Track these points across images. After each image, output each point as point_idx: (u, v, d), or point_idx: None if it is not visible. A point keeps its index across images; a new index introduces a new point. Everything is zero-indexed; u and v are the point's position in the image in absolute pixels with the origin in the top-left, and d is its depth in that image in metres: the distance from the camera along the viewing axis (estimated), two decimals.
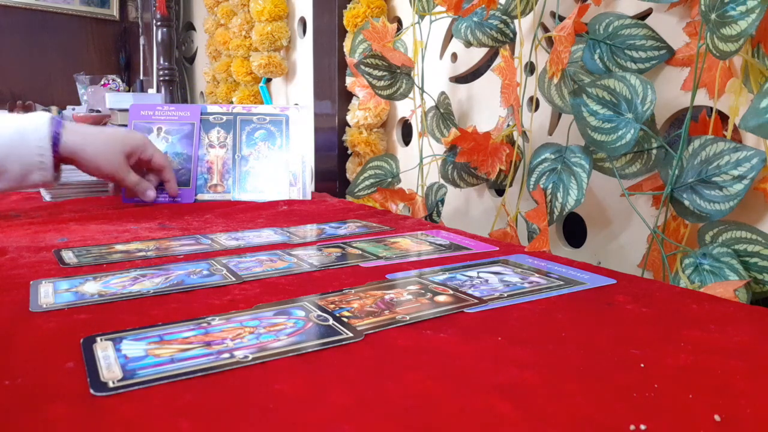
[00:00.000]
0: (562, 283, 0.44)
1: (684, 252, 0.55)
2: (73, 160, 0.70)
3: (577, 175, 0.63)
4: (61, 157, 0.69)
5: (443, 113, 0.88)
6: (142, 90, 1.87)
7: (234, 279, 0.44)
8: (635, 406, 0.25)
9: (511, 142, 0.76)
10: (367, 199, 0.94)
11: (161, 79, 1.72)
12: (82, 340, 0.31)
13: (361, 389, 0.26)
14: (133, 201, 0.85)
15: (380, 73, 0.83)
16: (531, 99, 0.74)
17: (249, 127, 0.93)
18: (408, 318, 0.35)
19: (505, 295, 0.40)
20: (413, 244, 0.58)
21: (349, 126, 1.10)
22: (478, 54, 0.88)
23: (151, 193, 0.79)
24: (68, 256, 0.50)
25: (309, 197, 0.90)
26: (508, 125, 0.78)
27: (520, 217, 0.74)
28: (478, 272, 0.47)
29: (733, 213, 0.51)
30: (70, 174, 0.81)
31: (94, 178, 1.03)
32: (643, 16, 0.64)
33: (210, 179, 0.90)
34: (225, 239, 0.59)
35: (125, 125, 0.96)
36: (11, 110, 2.11)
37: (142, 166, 0.80)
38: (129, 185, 0.77)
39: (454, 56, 0.93)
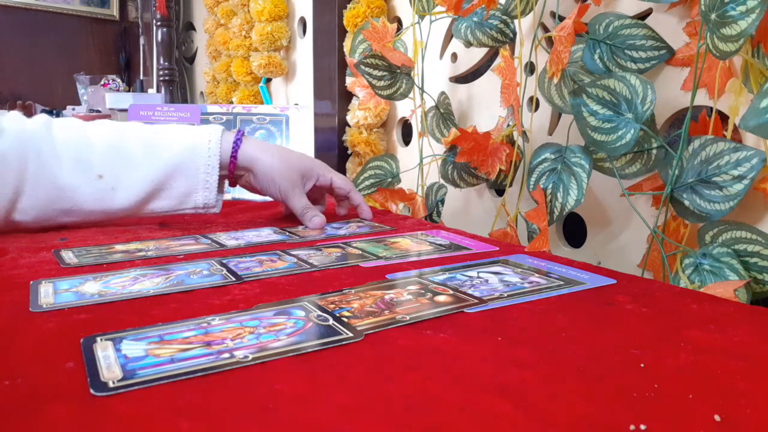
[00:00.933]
0: (562, 283, 0.44)
1: (684, 252, 0.55)
2: (248, 168, 0.64)
3: (577, 175, 0.63)
4: (236, 168, 0.63)
5: (443, 113, 0.88)
6: (142, 90, 1.88)
7: (234, 279, 0.44)
8: (635, 406, 0.25)
9: (511, 142, 0.76)
10: (367, 199, 0.94)
11: (161, 79, 1.72)
12: (82, 340, 0.31)
13: (361, 389, 0.26)
14: None
15: (380, 73, 0.83)
16: (531, 99, 0.74)
17: (249, 127, 0.93)
18: (408, 318, 0.35)
19: (505, 295, 0.40)
20: (413, 244, 0.58)
21: (349, 126, 1.10)
22: (478, 54, 0.88)
23: (318, 220, 0.66)
24: (68, 256, 0.50)
25: None
26: (508, 125, 0.78)
27: (520, 217, 0.74)
28: (478, 272, 0.47)
29: (733, 213, 0.51)
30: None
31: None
32: (643, 16, 0.64)
33: None
34: (225, 239, 0.59)
35: None
36: (11, 110, 2.11)
37: (322, 192, 0.74)
38: (297, 207, 0.67)
39: (454, 56, 0.93)
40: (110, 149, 0.59)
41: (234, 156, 0.63)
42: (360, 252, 0.53)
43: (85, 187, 0.58)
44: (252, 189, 0.68)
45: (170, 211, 0.63)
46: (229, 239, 0.59)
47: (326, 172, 0.70)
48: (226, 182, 0.67)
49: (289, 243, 0.58)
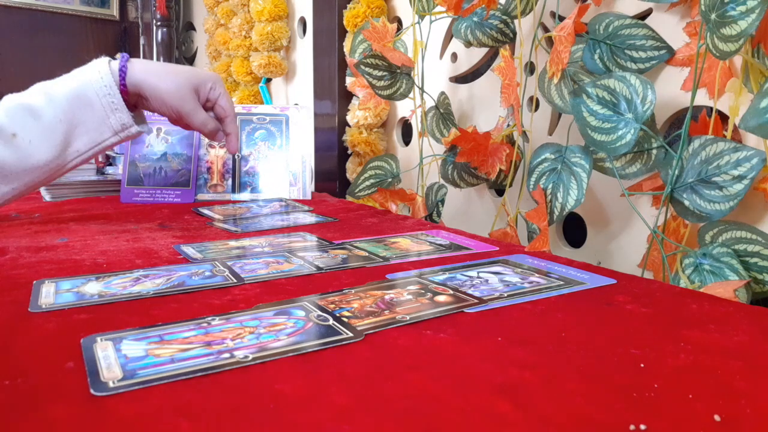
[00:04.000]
0: (562, 283, 0.44)
1: (684, 252, 0.55)
2: (138, 94, 0.63)
3: (577, 175, 0.63)
4: (128, 94, 0.63)
5: (443, 113, 0.88)
6: None
7: (235, 281, 0.44)
8: (635, 406, 0.25)
9: (511, 142, 0.76)
10: (367, 199, 0.94)
11: None
12: (82, 340, 0.31)
13: (361, 389, 0.26)
14: (132, 201, 0.85)
15: (380, 73, 0.83)
16: (531, 99, 0.74)
17: (249, 127, 0.93)
18: (408, 318, 0.35)
19: (505, 295, 0.40)
20: (413, 244, 0.58)
21: (349, 126, 1.10)
22: (478, 54, 0.88)
23: (222, 136, 0.69)
24: (191, 251, 0.53)
25: (309, 197, 0.90)
26: (508, 125, 0.78)
27: (520, 217, 0.74)
28: (478, 272, 0.47)
29: (733, 213, 0.51)
30: (71, 174, 0.81)
31: (94, 177, 1.03)
32: (643, 16, 0.64)
33: (210, 179, 0.90)
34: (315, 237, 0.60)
35: None
36: None
37: (207, 108, 0.70)
38: (196, 124, 0.67)
39: (454, 56, 0.93)
40: (16, 107, 0.60)
41: (123, 84, 0.62)
42: (366, 254, 0.53)
43: (4, 149, 0.58)
44: (153, 111, 0.67)
45: (95, 145, 0.62)
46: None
47: (218, 86, 0.69)
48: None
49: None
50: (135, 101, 0.65)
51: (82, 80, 0.61)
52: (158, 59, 1.72)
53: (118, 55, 0.64)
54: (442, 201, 0.85)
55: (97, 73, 0.61)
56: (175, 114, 0.66)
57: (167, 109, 0.65)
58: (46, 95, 0.60)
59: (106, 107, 0.61)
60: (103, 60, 0.63)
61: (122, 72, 0.62)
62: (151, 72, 0.63)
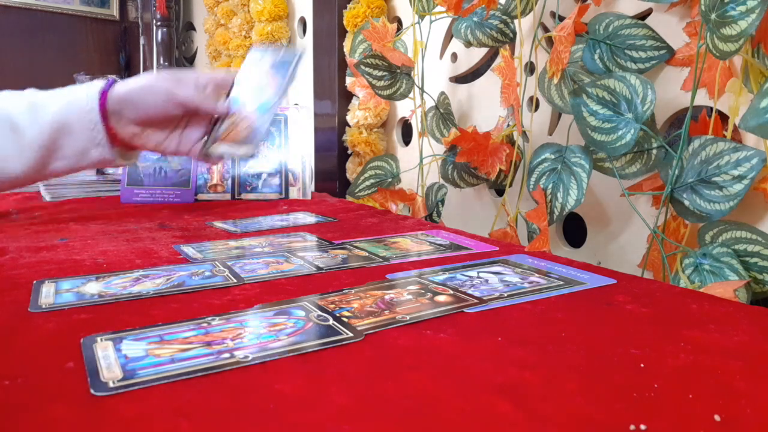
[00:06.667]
0: (562, 283, 0.44)
1: (684, 252, 0.55)
2: (123, 105, 0.59)
3: (577, 175, 0.63)
4: (109, 113, 0.59)
5: (443, 113, 0.88)
6: None
7: (235, 281, 0.44)
8: (635, 406, 0.25)
9: (511, 142, 0.76)
10: (367, 199, 0.94)
11: None
12: (82, 340, 0.31)
13: (361, 389, 0.26)
14: (132, 201, 0.85)
15: (380, 73, 0.83)
16: (531, 99, 0.74)
17: None
18: (408, 318, 0.35)
19: (505, 295, 0.40)
20: (413, 244, 0.58)
21: (349, 126, 1.10)
22: (478, 54, 0.88)
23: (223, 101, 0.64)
24: (191, 251, 0.53)
25: (309, 197, 0.90)
26: (508, 125, 0.78)
27: (520, 217, 0.74)
28: (478, 272, 0.47)
29: (733, 213, 0.51)
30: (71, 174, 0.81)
31: (94, 177, 1.03)
32: (643, 16, 0.64)
33: (210, 179, 0.90)
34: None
35: None
36: None
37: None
38: (202, 106, 0.62)
39: (454, 56, 0.93)
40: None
41: (102, 102, 0.59)
42: (366, 254, 0.53)
43: None
44: (147, 130, 0.62)
45: (73, 168, 0.61)
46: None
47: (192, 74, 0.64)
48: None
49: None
50: (116, 119, 0.60)
51: (69, 102, 0.58)
52: (158, 59, 1.72)
53: (101, 82, 0.61)
54: (442, 201, 0.85)
55: (85, 100, 0.58)
56: (170, 105, 0.60)
57: (160, 103, 0.60)
58: (33, 112, 0.58)
59: (89, 141, 0.59)
60: (94, 84, 0.60)
61: (103, 98, 0.59)
62: (130, 81, 0.60)
